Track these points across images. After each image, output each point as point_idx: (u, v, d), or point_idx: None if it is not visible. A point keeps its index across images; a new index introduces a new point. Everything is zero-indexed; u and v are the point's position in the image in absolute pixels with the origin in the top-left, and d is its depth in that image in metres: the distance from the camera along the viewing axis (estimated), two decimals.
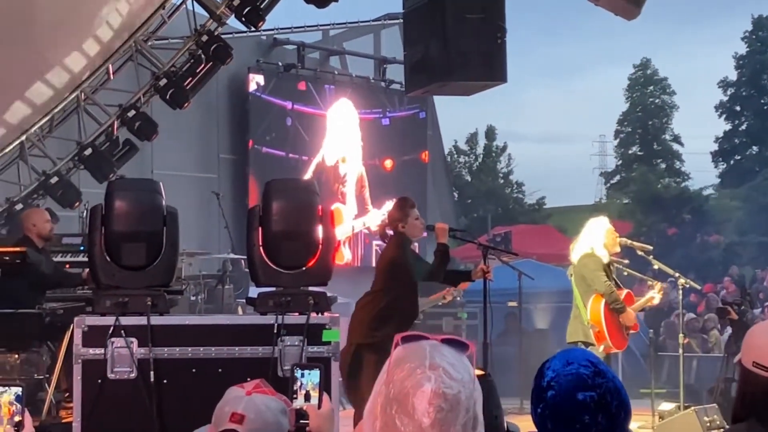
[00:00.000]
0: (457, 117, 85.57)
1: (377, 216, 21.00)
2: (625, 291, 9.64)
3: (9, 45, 10.68)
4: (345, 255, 21.81)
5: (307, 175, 20.69)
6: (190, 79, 13.31)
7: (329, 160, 21.71)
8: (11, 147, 13.14)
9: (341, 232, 21.12)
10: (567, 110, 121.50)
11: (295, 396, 3.85)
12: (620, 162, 56.20)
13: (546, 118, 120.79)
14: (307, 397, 3.85)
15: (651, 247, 10.11)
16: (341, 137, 21.87)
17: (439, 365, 2.03)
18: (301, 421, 3.79)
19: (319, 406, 3.83)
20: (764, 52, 49.07)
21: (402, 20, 10.26)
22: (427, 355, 2.05)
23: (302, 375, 3.87)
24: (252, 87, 20.12)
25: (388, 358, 2.11)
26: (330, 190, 21.21)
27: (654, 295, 9.81)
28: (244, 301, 11.78)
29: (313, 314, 6.22)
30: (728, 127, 50.21)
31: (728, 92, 50.18)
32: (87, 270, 8.47)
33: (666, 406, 10.35)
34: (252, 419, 3.52)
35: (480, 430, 2.08)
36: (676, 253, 34.65)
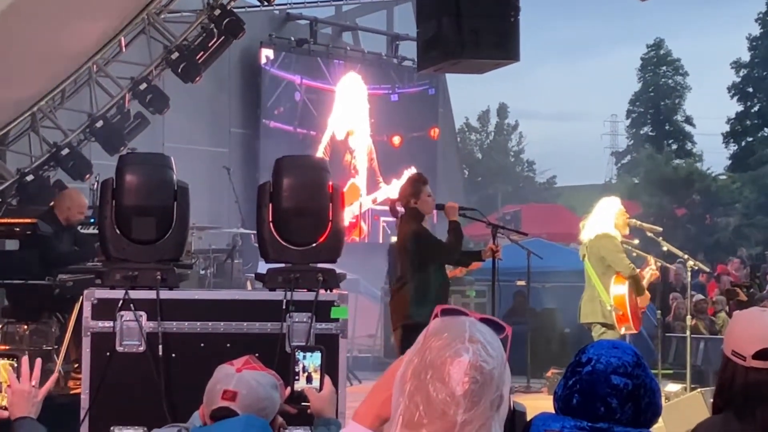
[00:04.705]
0: (469, 94, 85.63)
1: (393, 188, 21.07)
2: (636, 270, 9.61)
3: (22, 16, 10.68)
4: (364, 229, 21.89)
5: (319, 151, 20.72)
6: (202, 53, 13.29)
7: (339, 135, 21.72)
8: (23, 118, 13.15)
9: (358, 206, 21.23)
10: (579, 89, 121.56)
11: (296, 378, 3.86)
12: (631, 142, 56.13)
13: (558, 97, 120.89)
14: (309, 380, 3.86)
15: (660, 229, 10.08)
16: (349, 111, 21.86)
17: (478, 340, 2.05)
18: (303, 404, 3.81)
19: (320, 389, 3.84)
20: None
21: None
22: (467, 329, 2.07)
23: (304, 357, 3.88)
24: (263, 61, 20.11)
25: (426, 327, 2.13)
26: (342, 164, 21.24)
27: (652, 270, 9.72)
28: (253, 275, 11.82)
29: (322, 291, 6.23)
30: (740, 108, 50.04)
31: (741, 73, 50.00)
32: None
33: (672, 387, 10.36)
34: (244, 395, 3.55)
35: (504, 409, 2.10)
36: (684, 234, 34.64)
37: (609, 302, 9.15)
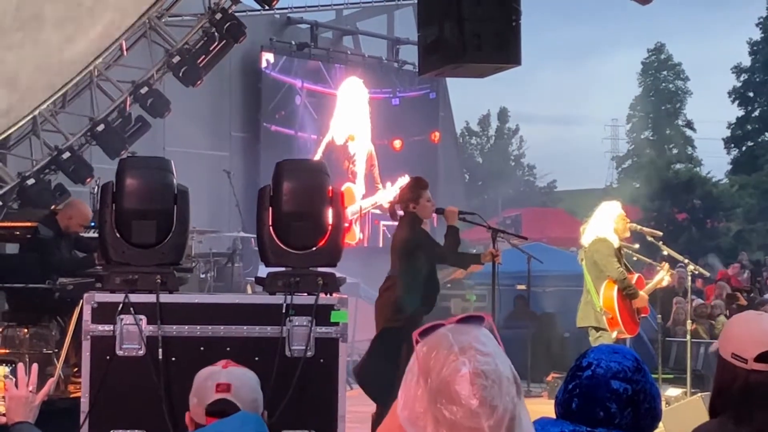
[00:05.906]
0: (470, 98, 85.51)
1: (388, 194, 21.00)
2: (636, 275, 9.62)
3: (24, 20, 10.70)
4: (357, 234, 21.80)
5: (317, 155, 20.69)
6: (203, 56, 13.31)
7: (338, 139, 21.68)
8: (24, 121, 13.15)
9: (351, 211, 21.14)
10: (580, 93, 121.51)
11: None
12: (632, 146, 56.12)
13: (559, 101, 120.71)
14: None
15: (660, 233, 10.10)
16: (350, 115, 21.83)
17: (468, 347, 2.03)
18: None
19: None
20: None
21: (416, 1, 10.24)
22: (453, 342, 2.04)
23: None
24: (263, 65, 20.11)
25: (413, 357, 2.09)
26: (339, 169, 21.20)
27: (663, 276, 9.78)
28: (253, 279, 11.83)
29: (322, 295, 6.21)
30: (741, 113, 50.05)
31: (742, 78, 50.00)
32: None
33: (673, 391, 10.36)
34: (238, 386, 3.54)
35: (521, 391, 2.10)
36: (685, 239, 34.59)
37: (599, 305, 9.18)
